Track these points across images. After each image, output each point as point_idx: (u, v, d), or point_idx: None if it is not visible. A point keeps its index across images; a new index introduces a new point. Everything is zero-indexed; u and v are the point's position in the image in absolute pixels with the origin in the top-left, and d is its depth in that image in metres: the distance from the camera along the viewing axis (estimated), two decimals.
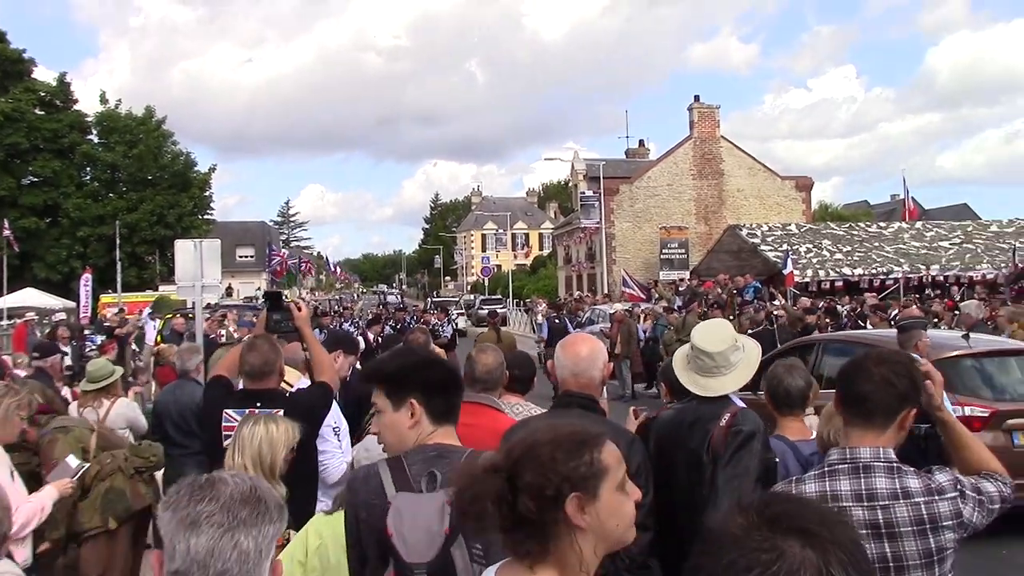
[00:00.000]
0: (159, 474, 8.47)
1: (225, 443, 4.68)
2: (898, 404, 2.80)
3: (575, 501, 2.00)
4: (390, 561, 2.63)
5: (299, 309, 5.04)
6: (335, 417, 5.42)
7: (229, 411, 4.72)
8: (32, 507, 4.88)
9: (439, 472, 2.74)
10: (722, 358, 4.06)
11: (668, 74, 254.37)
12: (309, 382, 5.22)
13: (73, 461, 5.44)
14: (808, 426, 4.62)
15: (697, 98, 47.70)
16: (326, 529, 3.52)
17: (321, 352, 5.08)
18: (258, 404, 4.70)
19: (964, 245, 38.15)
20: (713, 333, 4.20)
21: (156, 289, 43.83)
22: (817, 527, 1.25)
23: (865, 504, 2.71)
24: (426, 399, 2.96)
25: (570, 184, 60.55)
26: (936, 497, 2.74)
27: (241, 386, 4.94)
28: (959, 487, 2.79)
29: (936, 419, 3.02)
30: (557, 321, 23.41)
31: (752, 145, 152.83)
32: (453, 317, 31.62)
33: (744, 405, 4.10)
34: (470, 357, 4.98)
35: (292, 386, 5.38)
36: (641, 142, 58.94)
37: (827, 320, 19.02)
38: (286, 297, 5.26)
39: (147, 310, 26.46)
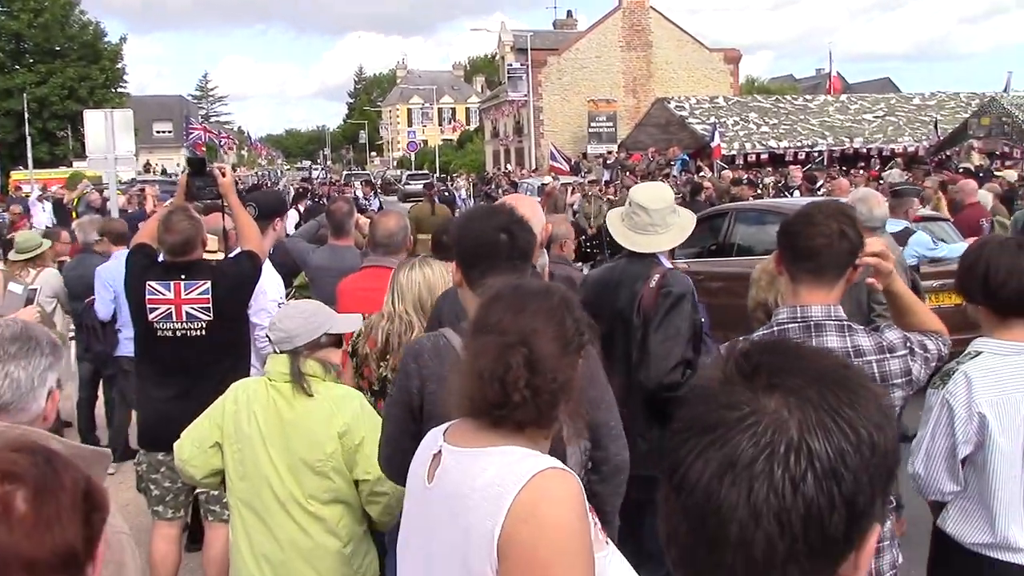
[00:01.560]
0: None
1: (151, 316, 4.55)
2: (849, 258, 2.74)
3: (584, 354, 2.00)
4: None
5: (223, 175, 4.82)
6: (279, 292, 5.28)
7: (152, 283, 4.55)
8: None
9: None
10: (659, 216, 4.04)
11: None
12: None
13: (16, 287, 5.07)
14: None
15: None
16: (243, 395, 3.45)
17: (247, 221, 4.88)
18: (183, 276, 4.54)
19: (887, 118, 38.65)
20: (654, 192, 4.21)
21: (70, 165, 42.25)
22: (804, 384, 0.98)
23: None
24: (465, 271, 2.73)
25: (497, 57, 59.43)
26: (888, 355, 2.72)
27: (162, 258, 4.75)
28: (908, 344, 2.77)
29: (885, 293, 2.98)
30: (447, 193, 23.12)
31: (681, 17, 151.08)
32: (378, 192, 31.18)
33: (671, 266, 4.09)
34: (372, 222, 4.93)
35: (217, 252, 5.19)
36: (569, 12, 57.92)
37: (751, 192, 19.08)
38: (209, 163, 5.00)
39: (32, 189, 25.26)
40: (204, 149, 34.01)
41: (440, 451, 1.99)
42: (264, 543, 3.38)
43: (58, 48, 49.10)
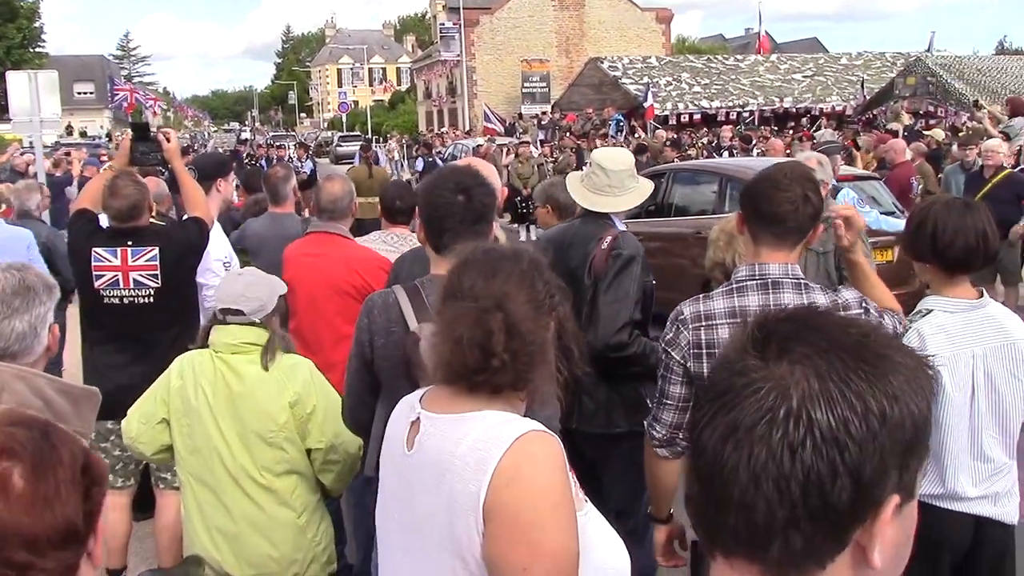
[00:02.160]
0: None
1: (97, 283, 4.46)
2: (811, 222, 2.80)
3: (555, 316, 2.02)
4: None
5: (168, 140, 4.72)
6: (225, 251, 5.19)
7: (98, 250, 4.45)
8: None
9: None
10: (617, 178, 4.07)
11: None
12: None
13: None
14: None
15: None
16: (187, 369, 3.40)
17: (193, 186, 4.80)
18: (129, 243, 4.46)
19: (815, 78, 39.21)
20: (615, 154, 4.28)
21: None
22: (813, 353, 0.98)
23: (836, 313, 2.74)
24: (427, 231, 2.85)
25: (428, 16, 58.79)
26: (841, 312, 2.79)
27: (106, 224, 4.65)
28: (864, 305, 2.85)
29: (846, 260, 3.07)
30: (368, 152, 22.81)
31: None
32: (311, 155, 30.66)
33: (624, 228, 4.12)
34: (317, 187, 4.88)
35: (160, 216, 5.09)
36: None
37: (675, 153, 19.13)
38: (154, 128, 4.89)
39: None
40: (132, 110, 33.02)
41: (418, 418, 2.00)
42: (217, 517, 3.36)
43: None
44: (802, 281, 2.83)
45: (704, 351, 2.81)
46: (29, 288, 2.50)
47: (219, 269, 5.05)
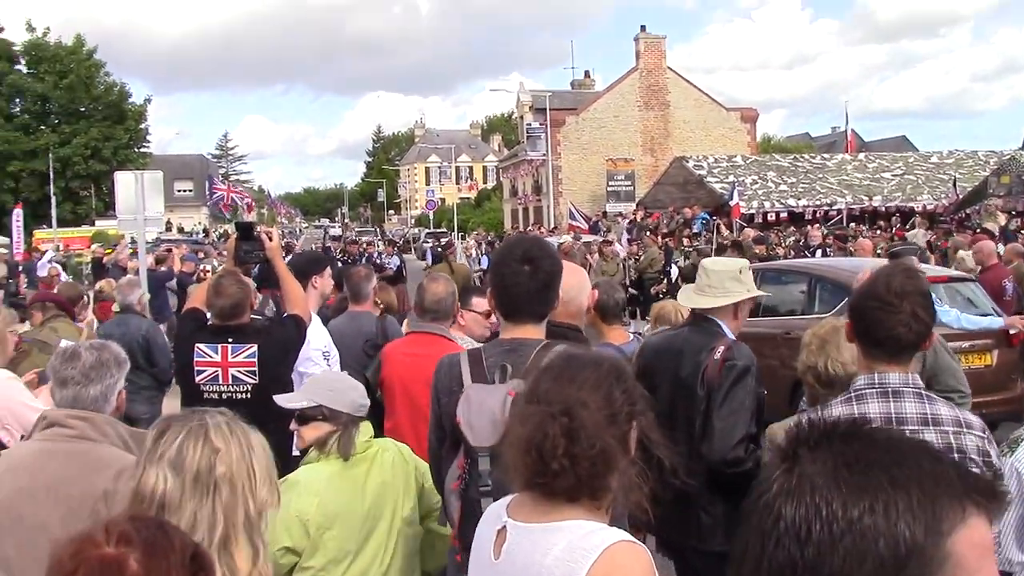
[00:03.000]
0: None
1: (198, 378, 4.58)
2: (924, 337, 2.77)
3: (636, 425, 2.02)
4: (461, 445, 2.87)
5: (270, 239, 4.89)
6: (324, 341, 5.28)
7: (201, 346, 4.59)
8: None
9: (510, 365, 2.84)
10: (717, 279, 4.07)
11: (614, 4, 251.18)
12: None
13: (67, 343, 5.19)
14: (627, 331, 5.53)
15: (643, 28, 47.32)
16: (316, 482, 3.32)
17: (293, 284, 4.92)
18: (230, 339, 4.58)
19: (905, 176, 38.71)
20: (723, 260, 4.32)
21: (92, 224, 42.82)
22: (815, 459, 1.03)
23: (894, 427, 2.69)
24: (496, 299, 3.06)
25: (515, 116, 60.12)
26: (965, 429, 2.73)
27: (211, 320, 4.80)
28: (985, 431, 2.79)
29: None
30: (440, 248, 23.17)
31: (697, 77, 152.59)
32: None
33: (735, 338, 4.07)
34: (420, 286, 4.96)
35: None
36: (587, 73, 58.59)
37: (735, 254, 18.70)
38: (257, 228, 5.07)
39: (48, 249, 27.09)
40: (231, 208, 34.40)
41: (504, 527, 2.00)
42: None
43: (83, 109, 50.01)
44: (923, 391, 2.78)
45: None
46: (103, 364, 3.15)
47: (319, 358, 5.13)
